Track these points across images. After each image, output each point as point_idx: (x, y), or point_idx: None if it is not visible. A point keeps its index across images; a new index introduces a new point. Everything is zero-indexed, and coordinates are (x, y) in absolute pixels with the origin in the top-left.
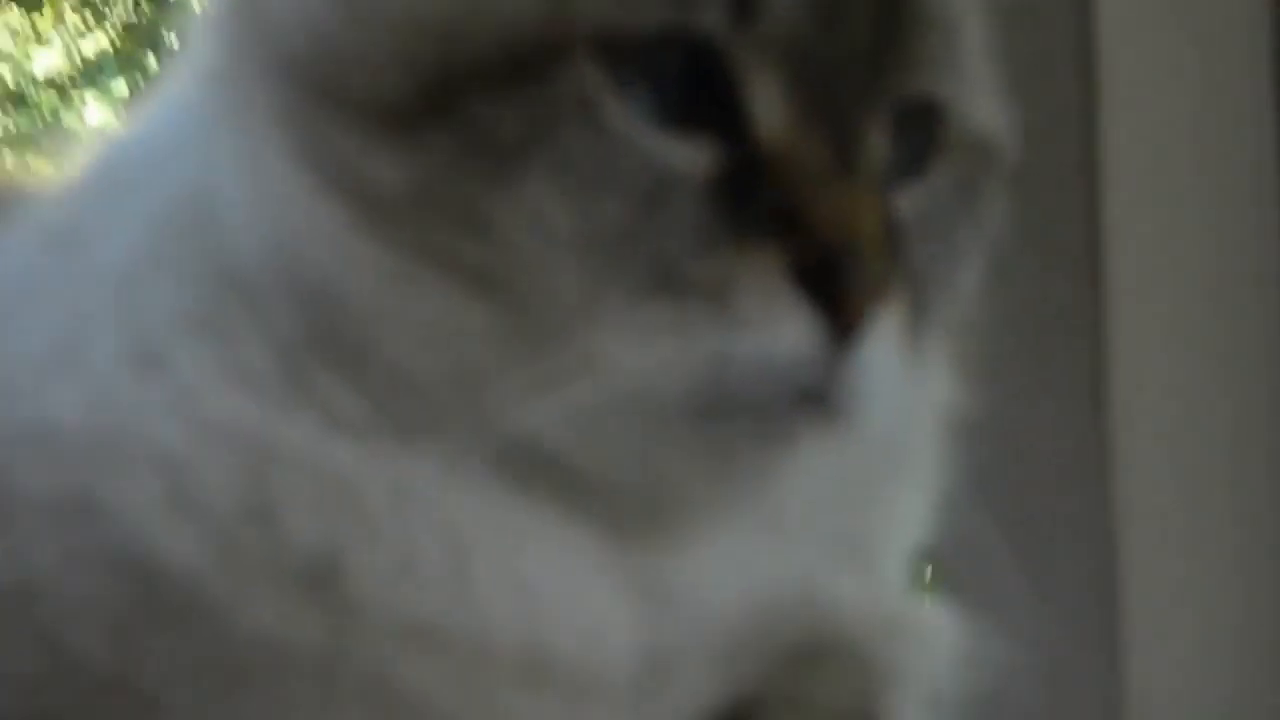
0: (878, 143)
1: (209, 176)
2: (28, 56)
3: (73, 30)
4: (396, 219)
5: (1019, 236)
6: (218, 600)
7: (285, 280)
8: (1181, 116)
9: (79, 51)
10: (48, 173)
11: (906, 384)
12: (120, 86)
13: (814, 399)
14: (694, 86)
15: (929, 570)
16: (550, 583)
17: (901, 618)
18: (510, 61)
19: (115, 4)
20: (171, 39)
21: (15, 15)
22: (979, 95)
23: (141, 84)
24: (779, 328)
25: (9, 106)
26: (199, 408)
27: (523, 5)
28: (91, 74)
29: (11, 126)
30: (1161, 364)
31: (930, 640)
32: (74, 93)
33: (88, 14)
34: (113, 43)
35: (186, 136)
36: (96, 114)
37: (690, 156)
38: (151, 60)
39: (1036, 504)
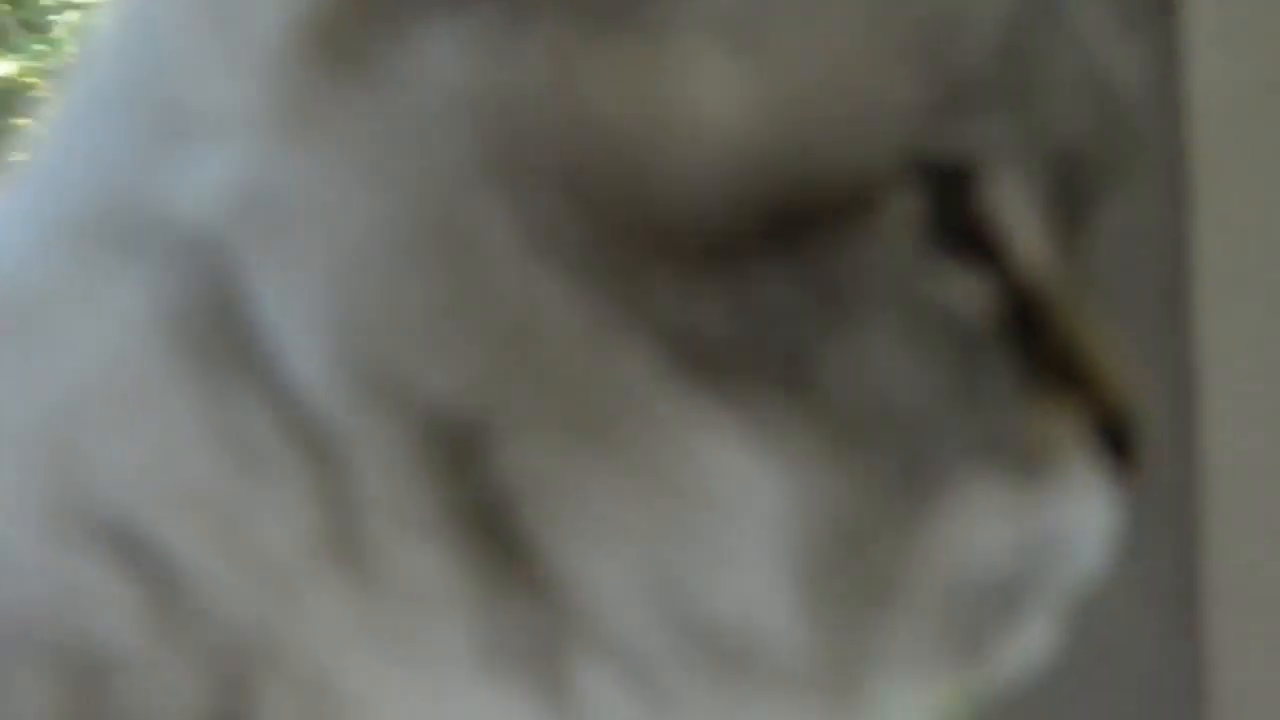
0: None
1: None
2: None
3: None
4: (709, 365)
5: None
6: None
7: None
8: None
9: None
10: None
11: None
12: None
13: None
14: (955, 214)
15: None
16: None
17: None
18: (845, 191)
19: None
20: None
21: None
22: None
23: None
24: (1092, 494)
25: None
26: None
27: (863, 129)
28: None
29: None
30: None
31: None
32: None
33: None
34: None
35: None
36: None
37: (973, 293)
38: None
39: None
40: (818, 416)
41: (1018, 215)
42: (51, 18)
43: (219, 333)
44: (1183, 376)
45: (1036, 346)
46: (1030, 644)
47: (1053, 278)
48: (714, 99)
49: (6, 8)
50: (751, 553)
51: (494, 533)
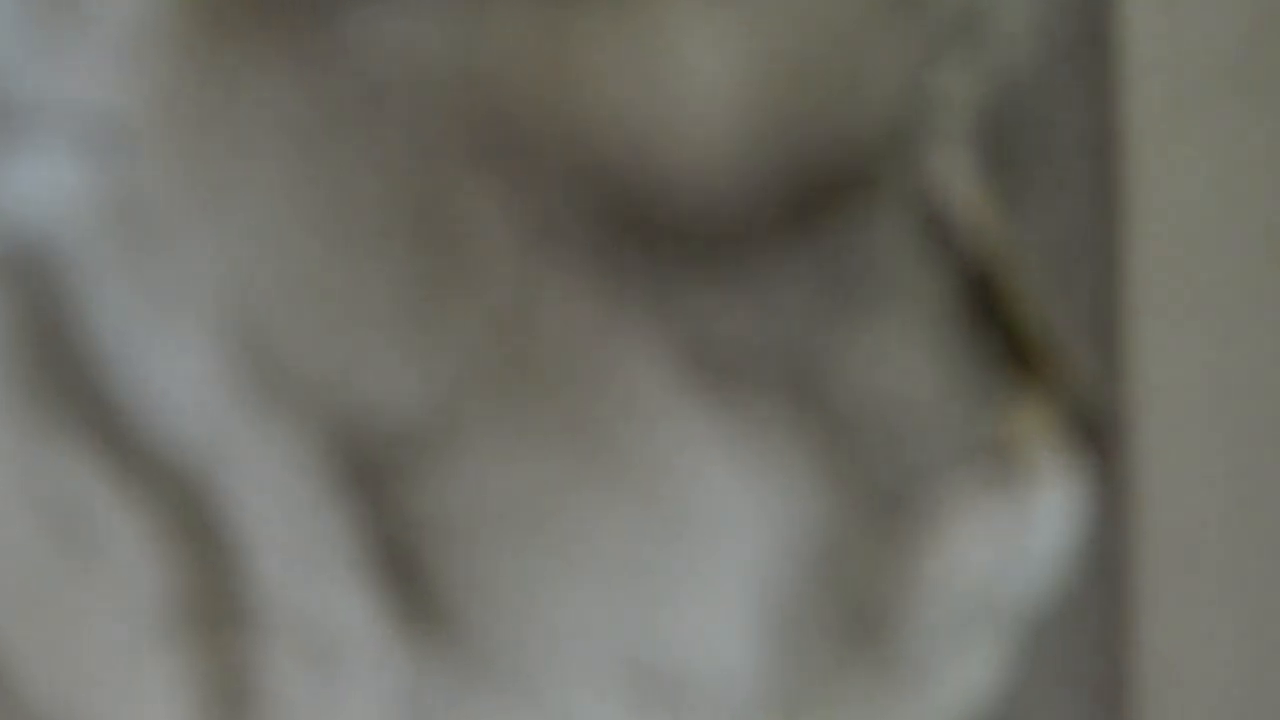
0: None
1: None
2: None
3: None
4: (718, 369)
5: None
6: None
7: None
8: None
9: None
10: None
11: None
12: None
13: None
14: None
15: None
16: None
17: None
18: (849, 165)
19: None
20: None
21: None
22: None
23: None
24: (1057, 495)
25: None
26: None
27: (860, 90)
28: None
29: None
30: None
31: None
32: None
33: None
34: None
35: None
36: None
37: (948, 277)
38: None
39: None
40: (819, 423)
41: (965, 185)
42: None
43: (46, 370)
44: (1114, 395)
45: (993, 334)
46: (977, 672)
47: (1000, 257)
48: (712, 66)
49: None
50: (723, 586)
51: (422, 567)
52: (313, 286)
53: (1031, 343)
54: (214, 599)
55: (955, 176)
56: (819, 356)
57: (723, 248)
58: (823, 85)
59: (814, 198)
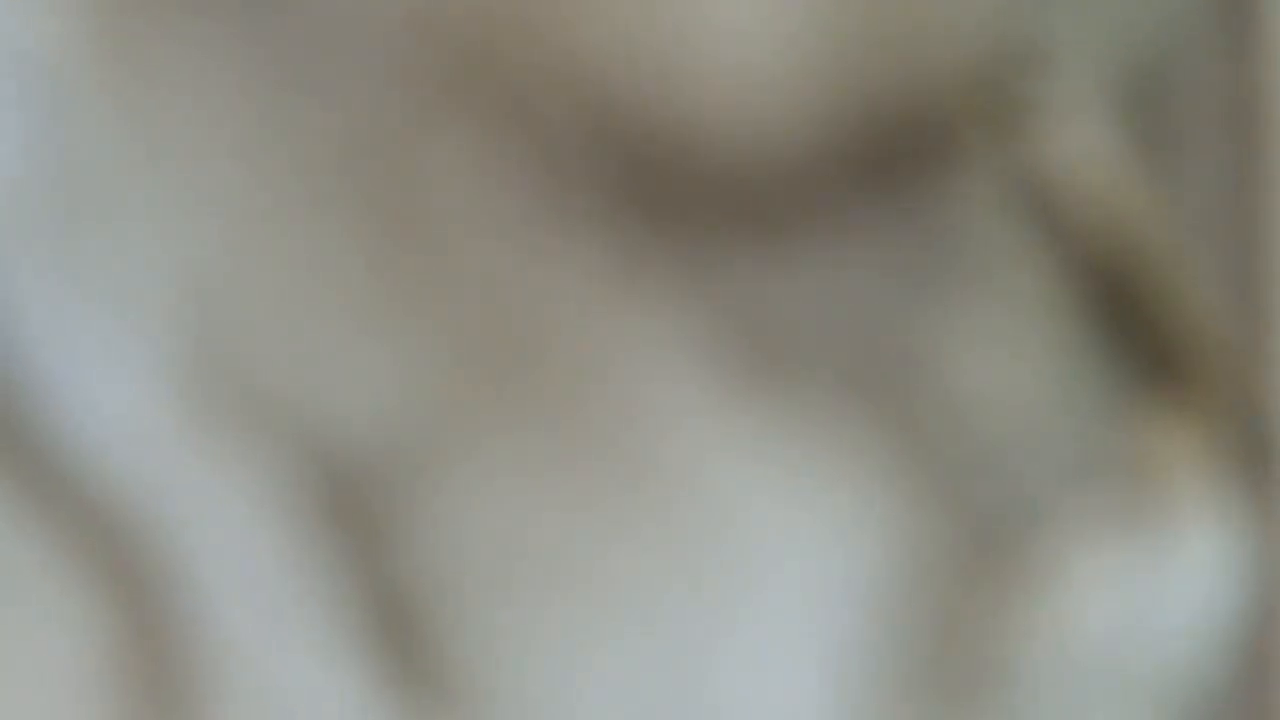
0: None
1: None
2: None
3: None
4: (765, 370)
5: None
6: None
7: None
8: None
9: None
10: None
11: None
12: None
13: None
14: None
15: None
16: None
17: None
18: (929, 124)
19: None
20: None
21: None
22: None
23: None
24: (1212, 536)
25: None
26: None
27: (940, 34)
28: None
29: None
30: None
31: None
32: None
33: None
34: None
35: None
36: None
37: (1056, 262)
38: None
39: None
40: (897, 431)
41: (1095, 162)
42: None
43: None
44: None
45: (1130, 337)
46: None
47: (1141, 247)
48: (740, 10)
49: None
50: (783, 639)
51: (416, 623)
52: (277, 271)
53: (1179, 349)
54: (160, 667)
55: (1078, 151)
56: (896, 350)
57: (772, 216)
58: (889, 14)
59: (885, 157)
